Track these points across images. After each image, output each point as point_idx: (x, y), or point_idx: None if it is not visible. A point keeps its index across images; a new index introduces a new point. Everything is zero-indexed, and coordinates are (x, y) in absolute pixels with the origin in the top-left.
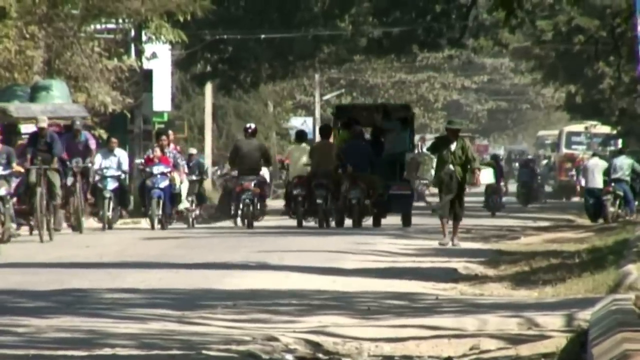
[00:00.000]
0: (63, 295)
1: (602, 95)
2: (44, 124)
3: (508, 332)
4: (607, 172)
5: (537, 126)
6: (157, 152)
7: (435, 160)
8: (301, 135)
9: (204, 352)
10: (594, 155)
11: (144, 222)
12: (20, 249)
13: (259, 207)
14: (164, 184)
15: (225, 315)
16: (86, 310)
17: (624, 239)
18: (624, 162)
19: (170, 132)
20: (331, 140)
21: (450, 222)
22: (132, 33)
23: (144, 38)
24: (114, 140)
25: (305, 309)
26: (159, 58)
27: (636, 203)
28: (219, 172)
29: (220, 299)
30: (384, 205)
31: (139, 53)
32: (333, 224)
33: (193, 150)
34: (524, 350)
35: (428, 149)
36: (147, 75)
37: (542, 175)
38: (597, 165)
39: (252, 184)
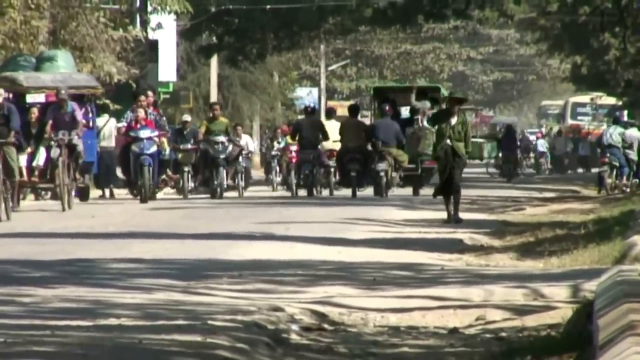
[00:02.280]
0: (68, 265)
1: (607, 67)
2: None
3: (514, 303)
4: (598, 143)
5: (542, 97)
6: (141, 113)
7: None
8: (330, 112)
9: (209, 322)
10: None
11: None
12: None
13: (317, 176)
14: (152, 149)
15: (231, 285)
16: (92, 281)
17: (630, 210)
18: (614, 132)
19: (149, 92)
20: (359, 117)
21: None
22: (138, 3)
23: (149, 8)
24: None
25: (310, 279)
26: (165, 28)
27: None
28: None
29: (226, 269)
30: (418, 178)
31: (145, 23)
32: (359, 193)
33: (187, 117)
34: (530, 321)
35: (428, 122)
36: (153, 45)
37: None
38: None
39: (311, 157)
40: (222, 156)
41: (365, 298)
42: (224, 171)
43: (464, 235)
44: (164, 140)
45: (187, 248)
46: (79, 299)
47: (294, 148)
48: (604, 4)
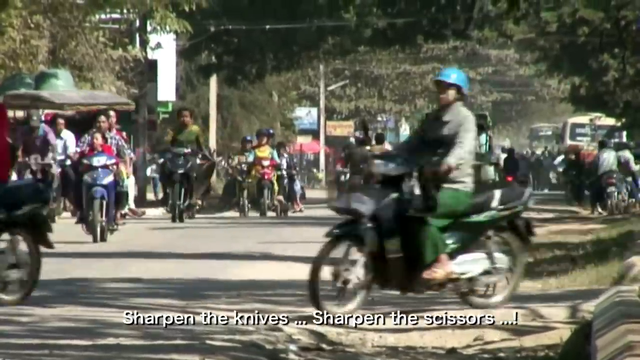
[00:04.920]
0: (67, 284)
1: (606, 87)
2: None
3: (512, 323)
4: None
5: (541, 118)
6: (98, 138)
7: None
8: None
9: (207, 342)
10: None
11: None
12: None
13: None
14: (107, 179)
15: (229, 305)
16: (90, 300)
17: (628, 231)
18: (610, 155)
19: (112, 113)
20: (386, 145)
21: None
22: (137, 23)
23: (148, 28)
24: (60, 121)
25: (308, 299)
26: (164, 48)
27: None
28: (223, 163)
29: (224, 289)
30: None
31: (144, 43)
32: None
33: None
34: (528, 341)
35: None
36: (152, 65)
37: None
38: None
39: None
40: (180, 171)
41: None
42: (182, 189)
43: None
44: (123, 169)
45: (186, 268)
46: (77, 318)
47: (266, 163)
48: (603, 24)
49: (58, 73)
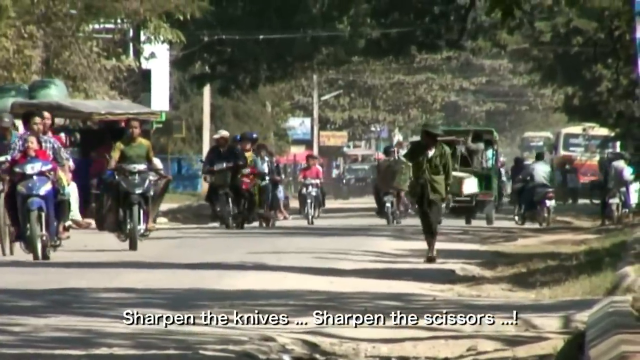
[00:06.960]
0: (60, 294)
1: (600, 98)
2: None
3: (505, 334)
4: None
5: (535, 128)
6: (33, 142)
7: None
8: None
9: (200, 352)
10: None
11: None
12: None
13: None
14: (45, 188)
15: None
16: (83, 310)
17: (622, 241)
18: (544, 169)
19: (46, 113)
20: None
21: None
22: (131, 33)
23: (142, 38)
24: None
25: (301, 309)
26: (158, 58)
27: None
28: None
29: (217, 299)
30: (472, 209)
31: (138, 53)
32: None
33: (224, 132)
34: (521, 351)
35: (404, 156)
36: (146, 75)
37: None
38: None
39: (390, 190)
40: (138, 191)
41: (356, 328)
42: (141, 211)
43: (456, 265)
44: (62, 175)
45: (179, 278)
46: (71, 328)
47: (245, 171)
48: (597, 34)
49: (52, 82)
